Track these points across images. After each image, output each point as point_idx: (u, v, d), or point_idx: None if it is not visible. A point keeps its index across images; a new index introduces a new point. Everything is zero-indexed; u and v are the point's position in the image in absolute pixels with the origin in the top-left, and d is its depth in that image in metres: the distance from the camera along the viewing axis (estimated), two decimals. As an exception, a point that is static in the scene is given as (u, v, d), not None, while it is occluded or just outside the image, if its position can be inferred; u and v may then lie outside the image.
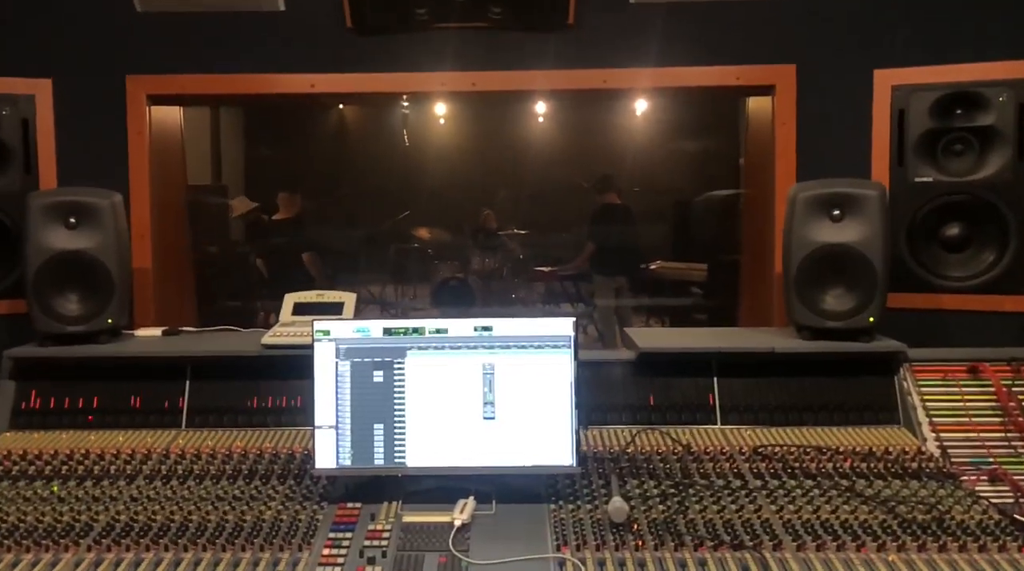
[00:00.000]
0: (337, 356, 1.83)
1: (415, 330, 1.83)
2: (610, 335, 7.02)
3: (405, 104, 10.09)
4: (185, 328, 2.53)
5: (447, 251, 10.28)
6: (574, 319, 1.84)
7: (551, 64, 2.73)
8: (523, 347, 1.83)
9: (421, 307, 10.53)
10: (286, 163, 11.04)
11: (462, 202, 10.85)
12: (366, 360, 1.83)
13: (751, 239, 3.07)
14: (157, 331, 2.46)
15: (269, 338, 2.21)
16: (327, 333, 1.83)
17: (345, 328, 1.84)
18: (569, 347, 1.82)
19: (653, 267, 7.97)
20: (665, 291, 8.43)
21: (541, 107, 11.70)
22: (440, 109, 11.75)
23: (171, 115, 3.00)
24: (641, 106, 11.41)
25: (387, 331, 1.83)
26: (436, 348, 1.83)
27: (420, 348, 1.83)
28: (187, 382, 2.25)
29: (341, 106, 11.96)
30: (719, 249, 7.21)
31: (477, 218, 10.50)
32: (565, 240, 9.72)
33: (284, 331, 2.25)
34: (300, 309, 2.41)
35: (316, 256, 6.87)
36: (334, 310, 2.38)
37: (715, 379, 2.22)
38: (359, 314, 2.39)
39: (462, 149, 11.66)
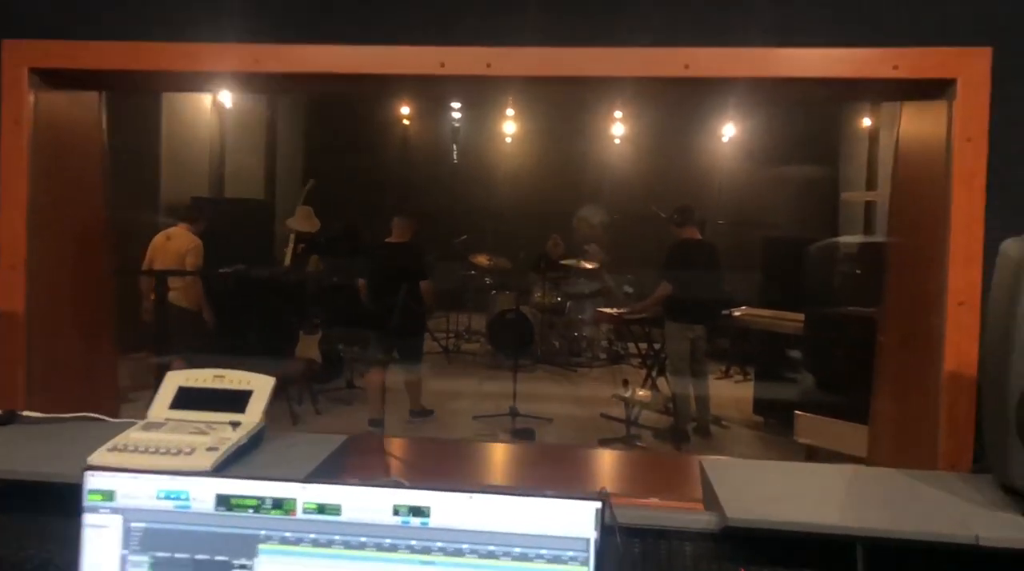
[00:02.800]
0: (126, 543, 0.94)
1: (277, 504, 0.92)
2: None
3: (456, 117, 9.31)
4: (28, 412, 1.68)
5: (506, 281, 9.41)
6: (598, 505, 0.90)
7: (603, 38, 1.82)
8: (491, 555, 0.90)
9: (475, 341, 9.68)
10: (341, 181, 10.38)
11: (526, 228, 9.98)
12: (179, 556, 0.93)
13: (898, 313, 2.07)
14: (-25, 418, 1.62)
15: (101, 455, 1.34)
16: (108, 497, 0.95)
17: (144, 488, 0.94)
18: (586, 562, 0.88)
19: (737, 314, 6.90)
20: (749, 342, 7.36)
21: (619, 128, 10.83)
22: (509, 127, 11.01)
23: (86, 105, 2.20)
24: (729, 131, 10.44)
25: (224, 502, 0.93)
26: (316, 544, 0.92)
27: (285, 542, 0.92)
28: (-17, 514, 1.40)
29: (406, 122, 11.34)
30: (820, 299, 6.13)
31: (543, 244, 9.62)
32: (640, 276, 8.75)
33: (138, 441, 1.37)
34: (185, 398, 1.53)
35: (432, 285, 6.36)
36: (234, 404, 1.50)
37: (861, 580, 1.25)
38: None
39: (530, 171, 10.82)
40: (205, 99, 9.33)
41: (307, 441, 1.54)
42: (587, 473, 2.15)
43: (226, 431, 1.43)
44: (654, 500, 1.91)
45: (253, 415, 1.48)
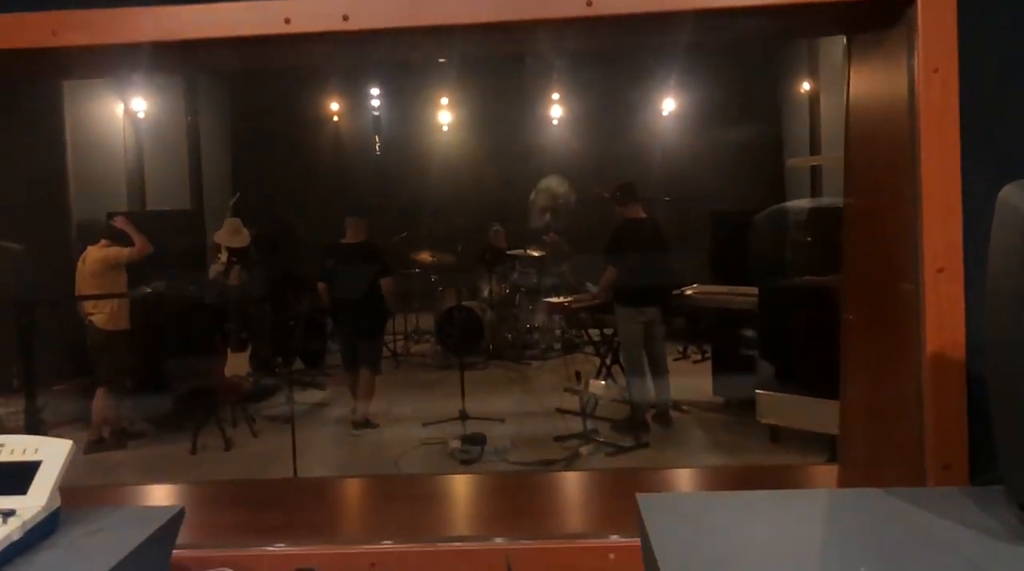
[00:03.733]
0: None
1: None
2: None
3: (376, 105, 8.92)
4: None
5: (452, 276, 9.04)
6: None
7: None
8: None
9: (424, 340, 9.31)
10: (272, 182, 9.92)
11: (469, 219, 9.60)
12: None
13: (863, 285, 1.76)
14: None
15: None
16: None
17: None
18: None
19: (689, 293, 6.63)
20: (704, 320, 7.10)
21: (556, 110, 10.51)
22: (444, 116, 10.63)
23: None
24: (669, 105, 10.18)
25: None
26: None
27: None
28: None
29: (336, 118, 10.89)
30: (773, 270, 5.88)
31: (485, 237, 9.26)
32: (589, 262, 8.43)
33: None
34: (-50, 478, 1.15)
35: (392, 283, 6.31)
36: (16, 482, 1.13)
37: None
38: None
39: (468, 160, 10.45)
40: (116, 108, 8.79)
41: (120, 519, 1.17)
42: (528, 507, 1.81)
43: (-6, 524, 1.05)
44: (614, 539, 1.57)
45: (38, 497, 1.11)
